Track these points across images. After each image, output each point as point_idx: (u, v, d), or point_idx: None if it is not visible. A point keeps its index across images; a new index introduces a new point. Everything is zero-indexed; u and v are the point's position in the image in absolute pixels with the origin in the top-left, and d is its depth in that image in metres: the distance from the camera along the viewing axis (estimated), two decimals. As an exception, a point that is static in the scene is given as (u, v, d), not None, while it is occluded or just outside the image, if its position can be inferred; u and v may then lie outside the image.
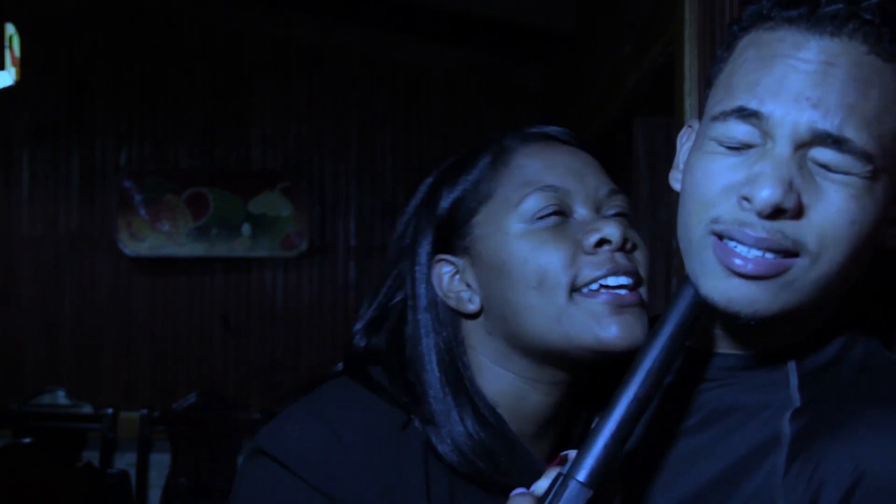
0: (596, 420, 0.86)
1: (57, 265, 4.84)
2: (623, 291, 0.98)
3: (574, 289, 0.98)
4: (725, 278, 0.83)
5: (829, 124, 0.79)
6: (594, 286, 0.98)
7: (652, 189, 2.97)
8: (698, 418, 0.92)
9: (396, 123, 4.85)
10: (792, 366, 0.90)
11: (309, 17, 4.83)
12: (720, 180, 0.84)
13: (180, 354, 4.83)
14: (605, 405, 0.86)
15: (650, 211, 2.98)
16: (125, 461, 4.10)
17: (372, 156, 4.85)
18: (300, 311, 4.82)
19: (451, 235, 1.05)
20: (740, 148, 0.84)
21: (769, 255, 0.81)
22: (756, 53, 0.84)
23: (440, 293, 1.04)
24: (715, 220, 0.84)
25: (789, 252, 0.81)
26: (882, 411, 0.81)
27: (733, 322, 0.86)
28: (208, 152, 4.87)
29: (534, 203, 1.00)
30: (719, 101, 0.86)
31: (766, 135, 0.82)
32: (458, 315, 1.05)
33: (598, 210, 1.02)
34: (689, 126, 0.97)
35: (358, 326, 1.09)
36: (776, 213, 0.80)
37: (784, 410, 0.87)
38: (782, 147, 0.81)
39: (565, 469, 0.84)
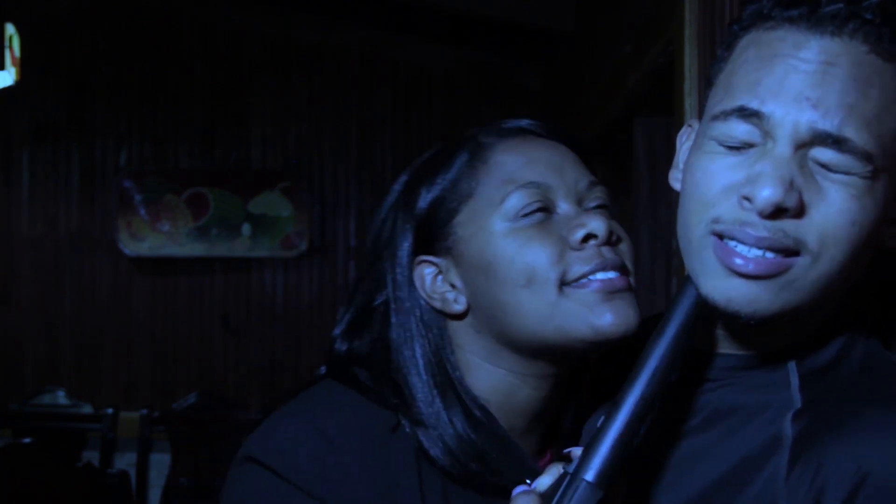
0: (602, 419, 0.85)
1: (57, 265, 4.84)
2: (612, 275, 0.98)
3: (564, 283, 0.97)
4: (726, 278, 0.83)
5: (829, 124, 0.79)
6: (583, 280, 0.98)
7: (652, 189, 2.97)
8: (700, 418, 0.92)
9: (396, 123, 4.85)
10: (792, 366, 0.89)
11: (309, 17, 4.83)
12: (720, 180, 0.84)
13: (180, 354, 4.83)
14: (611, 404, 0.86)
15: (650, 211, 2.98)
16: (125, 461, 4.09)
17: (372, 156, 4.85)
18: (300, 311, 4.82)
19: (433, 236, 1.04)
20: (740, 147, 0.84)
21: (769, 255, 0.81)
22: (756, 53, 0.84)
23: (423, 295, 1.03)
24: (715, 220, 0.84)
25: (790, 251, 0.81)
26: (883, 412, 0.81)
27: (733, 322, 0.86)
28: (208, 152, 4.87)
29: (517, 201, 0.99)
30: (720, 100, 0.86)
31: (767, 134, 0.82)
32: (444, 315, 1.04)
33: (579, 203, 1.02)
34: (689, 125, 0.97)
35: (337, 331, 1.08)
36: (777, 212, 0.80)
37: (785, 411, 0.87)
38: (783, 147, 0.81)
39: (571, 468, 0.84)
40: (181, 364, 4.81)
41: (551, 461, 1.05)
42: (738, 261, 0.82)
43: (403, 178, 1.09)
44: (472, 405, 1.01)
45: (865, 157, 0.80)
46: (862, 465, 0.77)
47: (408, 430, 0.98)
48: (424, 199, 1.04)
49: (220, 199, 4.79)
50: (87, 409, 4.38)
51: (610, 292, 0.97)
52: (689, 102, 1.96)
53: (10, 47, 3.94)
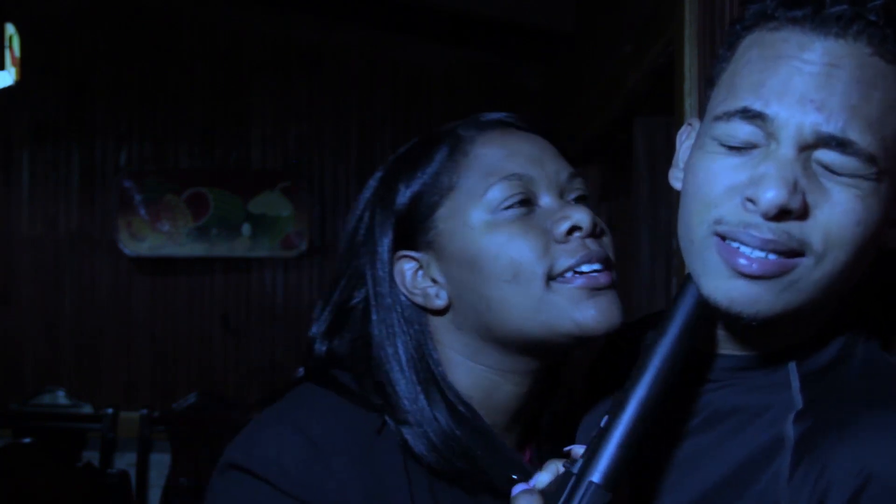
0: (605, 418, 0.85)
1: (57, 265, 4.84)
2: (597, 274, 0.98)
3: (550, 277, 0.97)
4: (728, 278, 0.83)
5: (832, 127, 0.79)
6: (568, 274, 0.97)
7: (652, 189, 2.97)
8: (700, 419, 0.91)
9: (396, 123, 4.85)
10: (793, 367, 0.89)
11: (309, 17, 4.83)
12: (723, 181, 0.84)
13: (180, 354, 4.82)
14: (614, 404, 0.85)
15: (650, 211, 2.98)
16: (125, 461, 4.09)
17: (372, 156, 4.85)
18: (300, 311, 4.81)
19: (413, 231, 1.03)
20: (743, 148, 0.83)
21: (773, 256, 0.81)
22: (760, 54, 0.84)
23: (404, 290, 1.02)
24: (718, 221, 0.83)
25: (794, 252, 0.81)
26: (886, 413, 0.81)
27: (735, 322, 0.86)
28: (208, 152, 4.87)
29: (499, 192, 0.98)
30: (722, 100, 0.85)
31: (770, 136, 0.81)
32: (425, 311, 1.03)
33: (561, 195, 1.01)
34: (689, 124, 0.97)
35: (315, 331, 1.06)
36: (781, 214, 0.80)
37: (787, 412, 0.86)
38: (786, 149, 0.80)
39: (576, 468, 0.84)
40: (181, 364, 4.81)
41: (531, 458, 1.05)
42: (742, 262, 0.82)
43: (379, 174, 1.08)
44: (456, 401, 1.00)
45: (869, 159, 0.79)
46: (865, 467, 0.77)
47: (392, 430, 0.97)
48: (404, 194, 1.03)
49: (220, 199, 4.78)
50: (87, 409, 4.38)
51: (594, 289, 0.97)
52: (689, 102, 1.96)
53: (10, 47, 3.93)
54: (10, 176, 4.86)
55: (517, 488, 0.86)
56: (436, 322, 1.03)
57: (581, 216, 0.98)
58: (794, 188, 0.79)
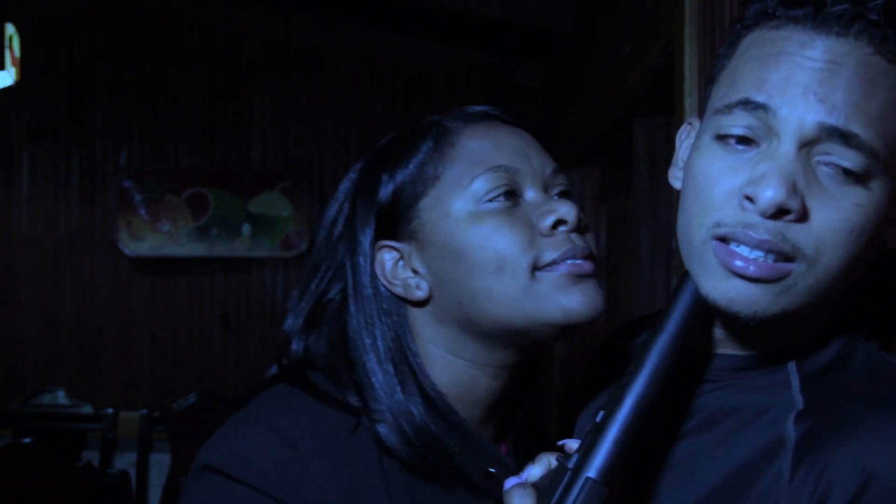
0: (601, 414, 0.85)
1: (57, 265, 4.84)
2: (580, 260, 0.98)
3: (536, 268, 0.97)
4: (726, 279, 0.83)
5: (835, 119, 0.79)
6: (553, 266, 0.97)
7: (652, 189, 2.97)
8: (699, 419, 0.91)
9: (396, 123, 4.84)
10: (792, 367, 0.89)
11: (309, 17, 4.83)
12: (722, 183, 0.84)
13: (180, 354, 4.82)
14: (610, 400, 0.85)
15: (650, 211, 2.98)
16: (125, 461, 4.10)
17: (372, 156, 4.84)
18: (300, 311, 4.80)
19: (395, 221, 1.02)
20: (742, 143, 0.83)
21: (770, 258, 0.81)
22: (761, 51, 0.84)
23: (384, 281, 1.01)
24: (717, 224, 0.83)
25: (788, 257, 0.81)
26: (887, 413, 0.81)
27: (733, 322, 0.86)
28: (208, 152, 4.87)
29: (485, 183, 0.98)
30: (723, 95, 0.85)
31: (771, 131, 0.81)
32: (405, 303, 1.02)
33: (545, 189, 1.02)
34: (689, 123, 0.97)
35: (291, 323, 1.05)
36: (779, 213, 0.80)
37: (787, 412, 0.86)
38: (787, 146, 0.80)
39: (571, 463, 0.83)
40: (181, 364, 4.81)
41: (507, 453, 1.05)
42: (739, 263, 0.82)
43: (359, 166, 1.07)
44: (433, 394, 0.99)
45: (871, 153, 0.79)
46: (866, 467, 0.77)
47: (367, 429, 0.96)
48: (387, 184, 1.02)
49: (220, 199, 4.78)
50: (87, 409, 4.38)
51: (578, 275, 0.97)
52: (689, 102, 1.96)
53: (10, 47, 3.93)
54: (10, 176, 4.86)
55: (509, 482, 0.85)
56: (415, 314, 1.02)
57: (567, 210, 0.98)
58: (794, 188, 0.79)
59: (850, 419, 0.81)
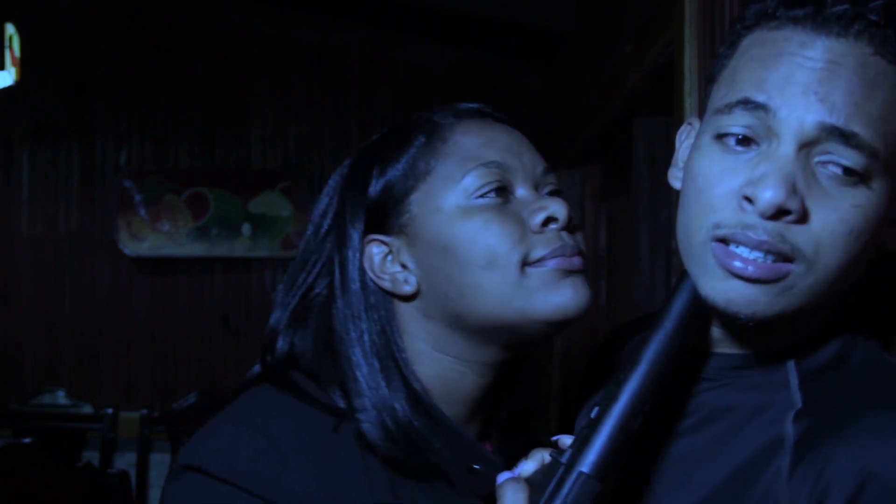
0: (596, 410, 0.85)
1: (57, 265, 4.84)
2: (570, 257, 0.98)
3: (526, 264, 0.97)
4: (725, 280, 0.83)
5: (836, 119, 0.79)
6: (542, 262, 0.97)
7: (652, 189, 2.97)
8: (697, 418, 0.91)
9: (396, 123, 4.84)
10: (791, 365, 0.89)
11: (309, 17, 4.83)
12: (721, 184, 0.84)
13: (180, 354, 4.82)
14: (605, 396, 0.85)
15: (650, 211, 2.98)
16: (125, 461, 4.09)
17: (372, 156, 4.84)
18: (300, 311, 4.80)
19: (385, 215, 1.02)
20: (742, 144, 0.83)
21: (769, 259, 0.81)
22: (761, 51, 0.84)
23: (372, 275, 1.01)
24: (717, 226, 0.83)
25: (787, 257, 0.81)
26: (885, 413, 0.81)
27: (732, 323, 0.86)
28: (208, 152, 4.87)
29: (477, 179, 0.99)
30: (723, 95, 0.85)
31: (771, 131, 0.81)
32: (392, 297, 1.02)
33: (536, 187, 1.02)
34: (689, 123, 0.97)
35: (277, 318, 1.05)
36: (778, 214, 0.80)
37: (786, 411, 0.86)
38: (787, 147, 0.80)
39: (564, 458, 0.83)
40: (181, 364, 4.81)
41: (492, 451, 1.05)
42: (738, 263, 0.82)
43: (349, 161, 1.08)
44: (418, 389, 0.99)
45: (872, 153, 0.79)
46: (865, 467, 0.77)
47: (350, 428, 0.96)
48: (378, 179, 1.03)
49: (220, 199, 4.78)
50: (87, 409, 4.38)
51: (568, 270, 0.97)
52: (689, 102, 1.96)
53: (10, 47, 3.94)
54: (10, 176, 4.86)
55: (502, 476, 0.85)
56: (402, 309, 1.02)
57: (558, 208, 0.98)
58: (793, 189, 0.79)
59: (849, 418, 0.81)
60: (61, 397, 4.45)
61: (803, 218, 0.80)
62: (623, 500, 0.92)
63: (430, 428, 0.98)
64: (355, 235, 1.03)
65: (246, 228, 4.77)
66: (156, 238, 4.76)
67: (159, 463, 4.10)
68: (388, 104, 4.85)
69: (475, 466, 0.97)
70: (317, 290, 1.04)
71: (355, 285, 1.01)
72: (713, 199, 0.84)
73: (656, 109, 2.81)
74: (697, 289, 0.86)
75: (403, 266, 1.01)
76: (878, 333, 0.94)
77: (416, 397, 0.99)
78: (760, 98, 0.82)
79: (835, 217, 0.80)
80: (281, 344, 1.04)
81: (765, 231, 0.80)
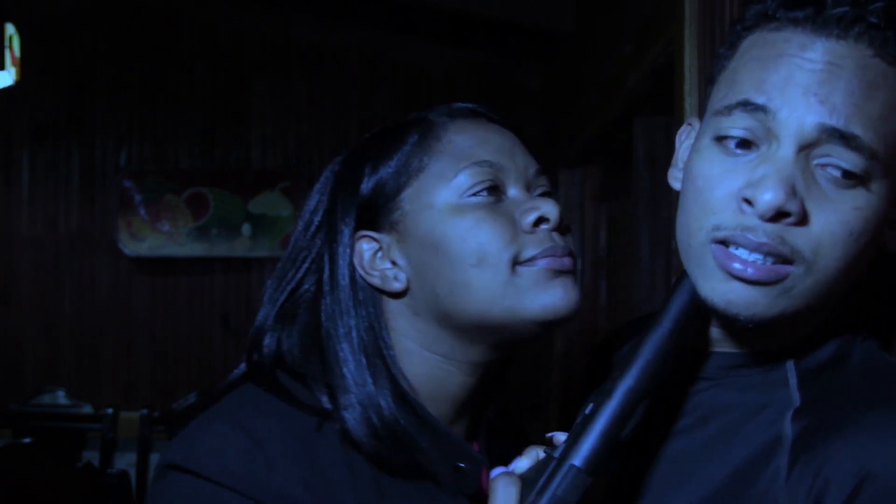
0: (590, 406, 0.85)
1: (57, 265, 4.84)
2: (560, 257, 0.98)
3: (517, 263, 0.97)
4: (725, 281, 0.83)
5: (836, 121, 0.79)
6: (533, 261, 0.98)
7: (652, 189, 2.97)
8: (695, 417, 0.91)
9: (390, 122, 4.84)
10: (790, 364, 0.89)
11: (309, 17, 4.83)
12: (721, 186, 0.84)
13: (180, 354, 4.82)
14: (600, 392, 0.86)
15: (650, 211, 2.98)
16: (125, 461, 4.09)
17: (372, 156, 4.84)
18: (300, 311, 4.80)
19: (376, 212, 1.02)
20: (741, 146, 0.83)
21: (768, 261, 0.81)
22: (761, 53, 0.84)
23: (361, 271, 1.01)
24: (717, 228, 0.84)
25: (786, 259, 0.81)
26: (885, 412, 0.81)
27: (732, 324, 0.86)
28: (208, 152, 4.87)
29: (469, 178, 0.99)
30: (723, 96, 0.85)
31: (770, 133, 0.81)
32: (381, 294, 1.02)
33: (528, 188, 1.02)
34: (689, 124, 0.97)
35: (264, 315, 1.05)
36: (778, 216, 0.80)
37: (785, 410, 0.86)
38: (786, 149, 0.80)
39: (557, 453, 0.84)
40: (181, 364, 4.81)
41: (480, 451, 1.05)
42: (737, 265, 0.82)
43: (341, 158, 1.07)
44: (405, 387, 0.99)
45: (871, 155, 0.79)
46: (863, 466, 0.77)
47: (334, 428, 0.96)
48: (371, 176, 1.03)
49: (220, 199, 4.78)
50: (87, 409, 4.38)
51: (558, 270, 0.98)
52: (689, 102, 1.96)
53: (10, 47, 3.94)
54: (10, 176, 4.86)
55: (496, 471, 0.86)
56: (391, 306, 1.02)
57: (549, 208, 0.99)
58: (793, 191, 0.79)
59: (848, 417, 0.81)
60: (61, 397, 4.45)
61: (803, 220, 0.80)
62: (622, 499, 0.92)
63: (417, 426, 0.98)
64: (346, 231, 1.03)
65: (246, 228, 4.77)
66: (156, 238, 4.76)
67: (159, 463, 4.10)
68: (388, 104, 4.85)
69: (461, 465, 0.97)
70: (305, 287, 1.04)
71: (344, 281, 1.01)
72: (713, 200, 0.84)
73: (656, 109, 2.81)
74: (697, 290, 0.86)
75: (393, 263, 1.01)
76: (878, 333, 0.94)
77: (403, 395, 0.99)
78: (760, 100, 0.82)
79: (834, 219, 0.80)
80: (268, 341, 1.04)
81: (764, 233, 0.80)
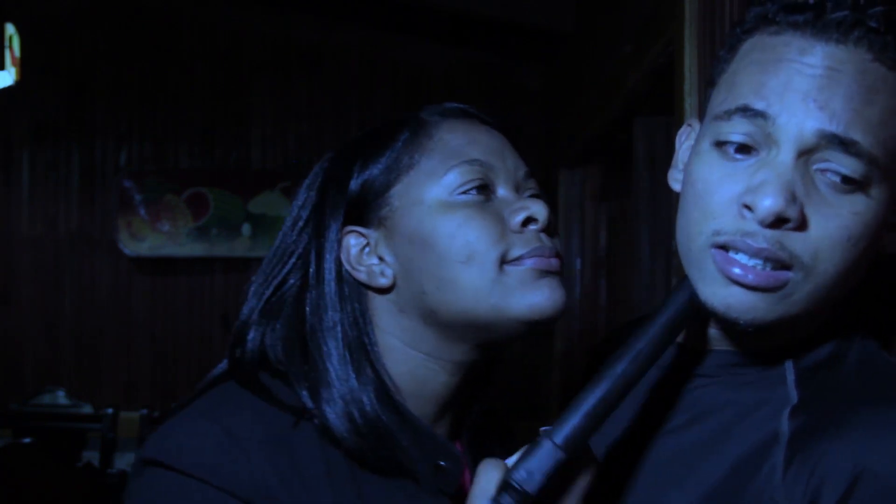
0: (580, 393, 0.86)
1: (57, 265, 4.84)
2: (548, 257, 0.98)
3: (504, 261, 0.97)
4: (725, 286, 0.83)
5: (835, 127, 0.79)
6: (520, 260, 0.98)
7: (652, 189, 2.97)
8: (694, 414, 0.92)
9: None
10: (788, 363, 0.90)
11: (309, 17, 4.83)
12: (721, 191, 0.84)
13: (180, 354, 4.83)
14: (590, 380, 0.86)
15: (650, 211, 2.98)
16: (125, 461, 4.09)
17: (372, 156, 4.84)
18: (300, 311, 4.80)
19: (365, 207, 1.02)
20: (741, 151, 0.83)
21: (768, 266, 0.81)
22: (761, 57, 0.84)
23: (348, 266, 1.01)
24: (717, 233, 0.84)
25: (785, 265, 0.81)
26: (881, 410, 0.81)
27: (731, 327, 0.86)
28: (208, 152, 4.88)
29: (460, 176, 0.99)
30: (722, 100, 0.86)
31: (770, 138, 0.81)
32: (367, 289, 1.02)
33: (517, 190, 1.02)
34: (689, 125, 0.97)
35: (249, 310, 1.05)
36: (778, 222, 0.80)
37: (782, 408, 0.87)
38: (786, 155, 0.80)
39: (542, 431, 0.84)
40: (181, 364, 4.81)
41: (463, 451, 1.05)
42: (737, 270, 0.82)
43: (330, 155, 1.08)
44: (388, 384, 0.99)
45: (871, 160, 0.79)
46: (858, 463, 0.77)
47: (312, 425, 0.96)
48: (360, 171, 1.03)
49: (220, 199, 4.79)
50: (87, 409, 4.38)
51: (545, 270, 0.98)
52: (689, 102, 1.96)
53: (10, 47, 3.94)
54: (10, 176, 4.86)
55: (485, 461, 0.86)
56: (376, 302, 1.02)
57: (538, 209, 0.99)
58: (793, 197, 0.79)
59: (844, 415, 0.81)
60: (61, 397, 4.46)
61: (802, 225, 0.80)
62: (620, 496, 0.92)
63: (398, 423, 0.98)
64: (333, 226, 1.03)
65: (246, 228, 4.77)
66: (156, 238, 4.76)
67: (159, 463, 4.10)
68: (388, 104, 4.86)
69: (441, 464, 0.97)
70: (291, 282, 1.04)
71: (330, 276, 1.02)
72: (713, 205, 0.84)
73: (656, 109, 2.81)
74: (697, 293, 0.86)
75: (381, 259, 1.01)
76: (877, 333, 0.94)
77: (386, 392, 0.99)
78: (759, 105, 0.82)
79: (833, 224, 0.80)
80: (252, 336, 1.04)
81: (764, 239, 0.80)
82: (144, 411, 4.16)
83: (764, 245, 0.80)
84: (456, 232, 0.97)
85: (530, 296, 0.96)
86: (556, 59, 4.32)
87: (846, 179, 0.80)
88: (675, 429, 0.92)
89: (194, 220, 4.77)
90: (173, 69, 4.86)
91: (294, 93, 4.88)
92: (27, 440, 3.28)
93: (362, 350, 1.00)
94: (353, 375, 0.98)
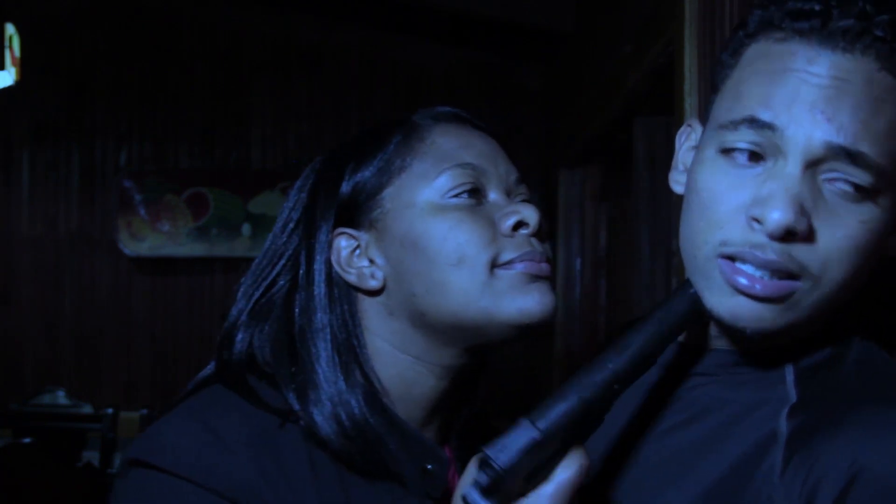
0: (566, 380, 0.86)
1: (57, 265, 4.84)
2: (538, 262, 0.98)
3: (495, 265, 0.97)
4: (731, 296, 0.83)
5: (843, 139, 0.79)
6: (511, 264, 0.98)
7: (652, 189, 2.97)
8: (692, 413, 0.92)
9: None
10: (788, 363, 0.90)
11: (309, 17, 4.83)
12: (727, 201, 0.83)
13: (180, 354, 4.83)
14: (583, 370, 0.85)
15: (650, 211, 2.98)
16: (125, 461, 4.09)
17: (372, 156, 4.84)
18: (300, 311, 4.81)
19: (356, 210, 1.02)
20: (748, 159, 0.83)
21: (775, 277, 0.81)
22: (766, 65, 0.83)
23: (337, 268, 1.01)
24: (724, 243, 0.83)
25: (792, 274, 0.81)
26: (879, 409, 0.81)
27: (739, 335, 0.86)
28: (208, 152, 4.88)
29: (451, 179, 0.99)
30: (728, 109, 0.85)
31: (777, 149, 0.81)
32: (356, 292, 1.02)
33: (508, 194, 1.03)
34: (689, 125, 0.97)
35: (238, 311, 1.04)
36: (787, 234, 0.80)
37: (781, 407, 0.86)
38: (794, 166, 0.80)
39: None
40: (181, 364, 4.81)
41: (451, 455, 1.05)
42: (744, 280, 0.82)
43: (322, 158, 1.08)
44: (377, 386, 0.99)
45: (878, 171, 0.79)
46: (855, 462, 0.77)
47: (299, 426, 0.96)
48: (352, 173, 1.03)
49: (220, 199, 4.79)
50: (87, 409, 4.38)
51: (535, 275, 0.98)
52: (689, 102, 1.96)
53: (10, 47, 3.94)
54: (10, 176, 4.86)
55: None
56: (366, 305, 1.02)
57: (530, 213, 0.99)
58: (801, 209, 0.79)
59: (842, 414, 0.81)
60: (61, 397, 4.45)
61: (810, 236, 0.80)
62: (618, 494, 0.92)
63: (386, 426, 0.98)
64: (324, 228, 1.03)
65: (246, 228, 4.77)
66: (156, 238, 4.76)
67: (159, 463, 4.10)
68: (388, 104, 4.86)
69: (428, 467, 0.97)
70: (281, 283, 1.03)
71: (320, 277, 1.01)
72: (719, 215, 0.84)
73: (656, 109, 2.81)
74: (703, 301, 0.86)
75: (371, 261, 1.01)
76: (877, 333, 0.94)
77: (374, 394, 0.99)
78: (766, 116, 0.81)
79: (841, 234, 0.80)
80: (240, 338, 1.03)
81: (773, 251, 0.80)
82: (144, 411, 4.15)
83: (773, 257, 0.80)
84: (447, 234, 0.97)
85: (520, 300, 0.96)
86: (556, 59, 4.32)
87: (854, 189, 0.80)
88: (674, 427, 0.92)
89: (194, 220, 4.77)
90: (173, 69, 4.86)
91: (294, 93, 4.88)
92: (27, 440, 3.29)
93: (351, 352, 0.99)
94: (341, 378, 0.98)
